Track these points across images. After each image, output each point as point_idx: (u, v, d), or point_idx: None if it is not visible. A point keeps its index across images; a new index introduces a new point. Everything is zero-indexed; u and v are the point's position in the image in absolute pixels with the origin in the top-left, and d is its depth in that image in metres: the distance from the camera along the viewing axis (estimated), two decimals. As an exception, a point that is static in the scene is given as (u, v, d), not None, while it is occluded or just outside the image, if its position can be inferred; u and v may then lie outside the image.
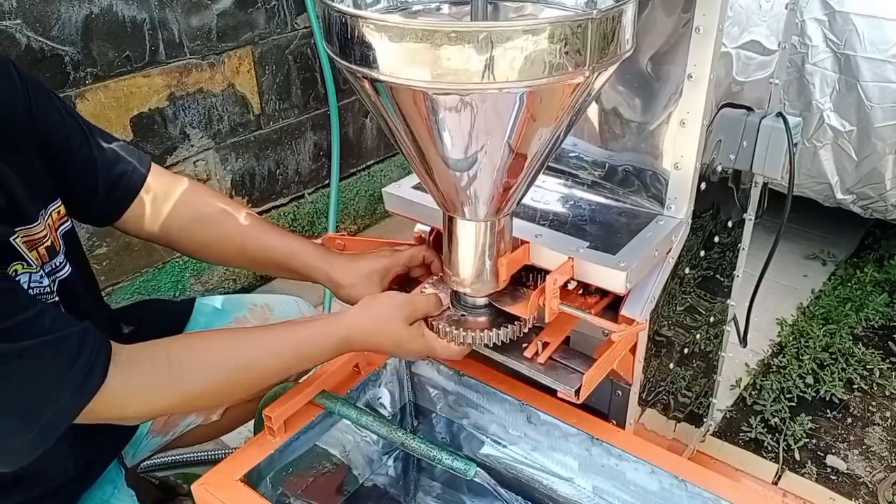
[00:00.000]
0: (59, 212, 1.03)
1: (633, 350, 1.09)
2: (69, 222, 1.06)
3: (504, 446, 1.22)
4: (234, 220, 1.18)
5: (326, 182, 2.62)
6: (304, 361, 1.05)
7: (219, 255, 1.22)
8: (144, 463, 1.64)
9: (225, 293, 2.41)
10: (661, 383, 1.27)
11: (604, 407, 1.19)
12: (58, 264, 1.00)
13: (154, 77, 2.01)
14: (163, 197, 1.16)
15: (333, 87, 2.44)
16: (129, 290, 2.13)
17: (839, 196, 2.29)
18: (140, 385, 0.91)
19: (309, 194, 2.61)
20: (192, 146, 2.18)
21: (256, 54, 2.26)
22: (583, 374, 0.99)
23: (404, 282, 1.21)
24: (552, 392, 1.02)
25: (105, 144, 1.11)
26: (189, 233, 1.18)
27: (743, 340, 1.50)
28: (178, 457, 1.68)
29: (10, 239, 0.90)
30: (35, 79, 1.04)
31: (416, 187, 1.20)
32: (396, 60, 0.73)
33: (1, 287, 0.83)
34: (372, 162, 2.83)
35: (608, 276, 0.98)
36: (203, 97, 2.16)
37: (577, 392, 0.98)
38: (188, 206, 1.17)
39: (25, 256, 0.92)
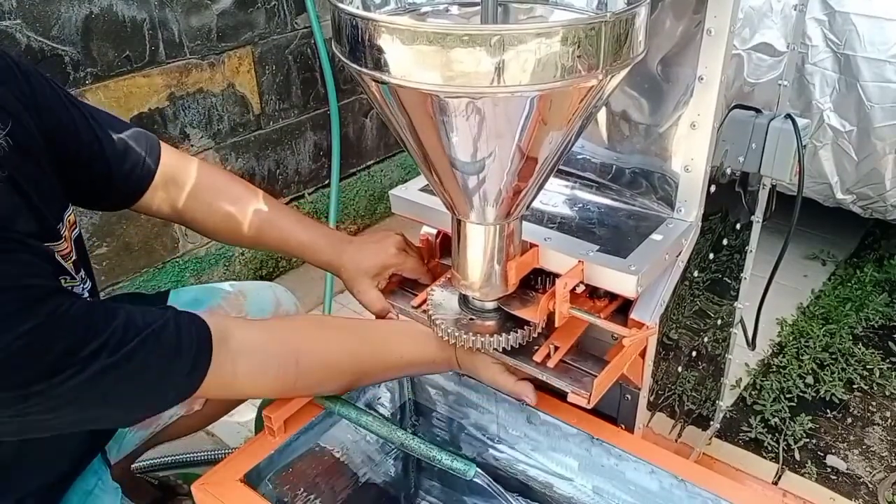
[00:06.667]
0: (70, 219, 1.03)
1: (643, 354, 1.09)
2: (77, 227, 1.06)
3: (504, 446, 1.22)
4: (254, 205, 1.21)
5: (326, 182, 2.61)
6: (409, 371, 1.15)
7: (236, 237, 1.24)
8: (144, 463, 1.63)
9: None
10: (670, 387, 1.26)
11: (612, 411, 1.18)
12: (83, 276, 1.00)
13: (154, 77, 2.00)
14: (180, 180, 1.18)
15: (333, 87, 2.42)
16: (129, 290, 2.12)
17: (839, 196, 2.29)
18: (262, 381, 0.97)
19: (309, 194, 2.60)
20: (193, 146, 2.16)
21: (256, 54, 2.25)
22: (595, 376, 0.99)
23: (404, 282, 1.21)
24: (553, 393, 1.01)
25: (113, 131, 1.12)
26: (211, 216, 1.20)
27: (751, 343, 1.50)
28: (177, 457, 1.68)
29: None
30: (35, 70, 1.03)
31: (423, 189, 1.19)
32: (407, 63, 0.71)
33: (80, 305, 0.82)
34: (372, 162, 2.82)
35: (619, 279, 0.98)
36: (203, 97, 2.15)
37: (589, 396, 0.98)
38: (209, 190, 1.20)
39: (69, 270, 0.91)
